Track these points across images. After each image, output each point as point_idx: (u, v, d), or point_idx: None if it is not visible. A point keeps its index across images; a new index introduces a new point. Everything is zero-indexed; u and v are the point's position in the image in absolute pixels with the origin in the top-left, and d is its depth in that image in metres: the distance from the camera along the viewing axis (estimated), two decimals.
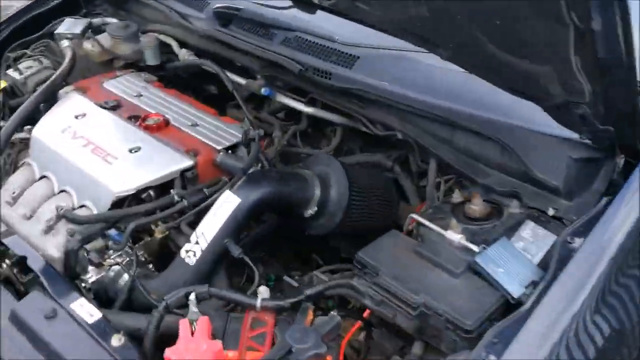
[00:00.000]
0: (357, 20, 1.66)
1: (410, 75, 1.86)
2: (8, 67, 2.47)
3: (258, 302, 1.52)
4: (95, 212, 1.83)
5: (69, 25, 2.45)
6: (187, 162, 1.86)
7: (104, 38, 2.41)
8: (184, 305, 1.53)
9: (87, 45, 2.39)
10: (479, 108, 1.71)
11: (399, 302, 1.43)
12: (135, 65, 2.44)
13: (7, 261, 1.67)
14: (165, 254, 1.83)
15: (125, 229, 1.79)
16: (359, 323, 1.59)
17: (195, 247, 1.69)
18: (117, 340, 1.45)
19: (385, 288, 1.45)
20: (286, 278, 1.92)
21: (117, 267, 1.72)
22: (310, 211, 1.86)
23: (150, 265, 1.77)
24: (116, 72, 2.36)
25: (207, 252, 1.68)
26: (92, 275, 1.73)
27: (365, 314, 1.57)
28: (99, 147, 1.93)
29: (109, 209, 1.80)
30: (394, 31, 1.58)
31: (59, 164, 1.94)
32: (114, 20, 2.56)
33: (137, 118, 2.08)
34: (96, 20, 2.56)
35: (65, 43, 2.35)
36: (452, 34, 1.42)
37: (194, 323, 1.46)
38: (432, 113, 1.75)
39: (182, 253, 1.70)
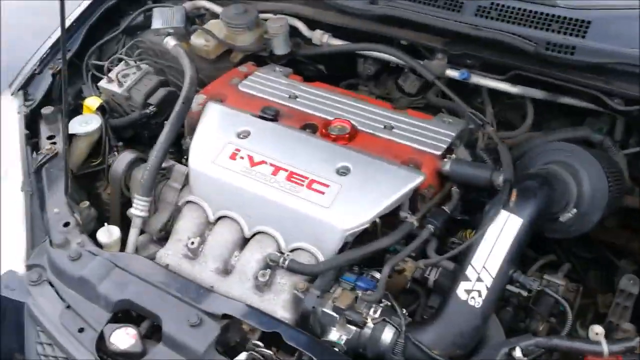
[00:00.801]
0: None
1: None
2: (93, 77, 2.00)
3: (605, 348, 1.25)
4: (319, 256, 1.48)
5: (164, 17, 1.99)
6: (418, 178, 1.52)
7: (215, 28, 1.97)
8: None
9: (199, 40, 1.95)
10: None
11: None
12: (252, 56, 2.02)
13: (254, 342, 1.32)
14: None
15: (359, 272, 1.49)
16: None
17: (479, 285, 1.38)
18: None
19: None
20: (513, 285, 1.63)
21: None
22: (569, 214, 1.57)
23: (404, 312, 1.45)
24: (238, 70, 1.93)
25: (493, 289, 1.38)
26: (341, 335, 1.40)
27: None
28: (293, 173, 1.56)
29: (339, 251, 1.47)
30: None
31: (246, 201, 1.56)
32: (203, 2, 2.10)
33: (312, 127, 1.70)
34: (187, 5, 2.10)
35: (171, 41, 1.89)
36: None
37: None
38: None
39: (462, 294, 1.39)
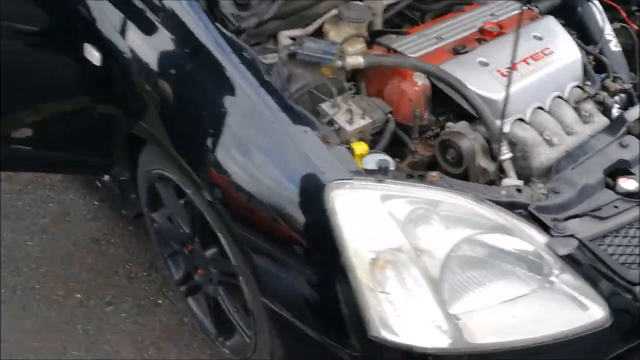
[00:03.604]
0: None
1: None
2: None
3: None
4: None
5: (317, 48, 2.01)
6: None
7: (342, 34, 2.13)
8: None
9: (358, 45, 2.12)
10: None
11: None
12: None
13: None
14: None
15: None
16: None
17: None
18: None
19: None
20: None
21: None
22: None
23: None
24: (374, 51, 2.22)
25: None
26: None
27: None
28: (531, 56, 2.21)
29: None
30: None
31: (534, 91, 2.15)
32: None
33: (483, 40, 2.29)
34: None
35: (361, 58, 2.02)
36: None
37: None
38: None
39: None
